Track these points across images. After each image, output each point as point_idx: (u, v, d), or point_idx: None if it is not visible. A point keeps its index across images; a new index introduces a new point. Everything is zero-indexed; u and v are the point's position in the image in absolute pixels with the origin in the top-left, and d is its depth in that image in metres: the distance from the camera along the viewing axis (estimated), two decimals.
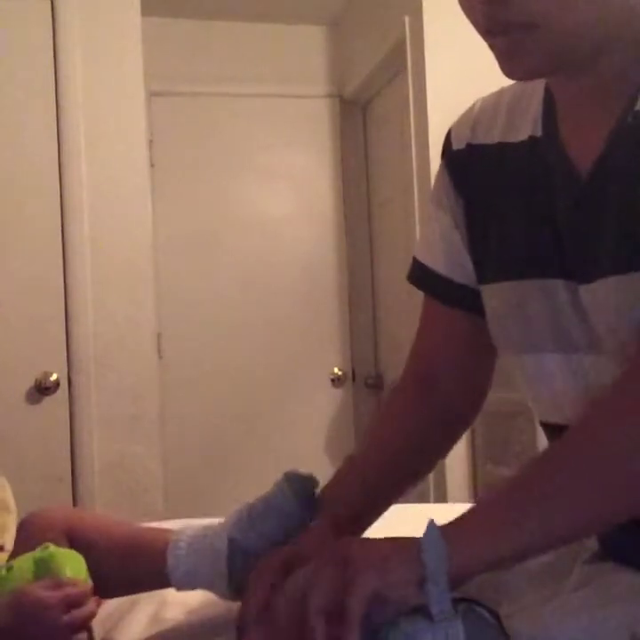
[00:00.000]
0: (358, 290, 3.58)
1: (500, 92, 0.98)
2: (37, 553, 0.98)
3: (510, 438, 2.41)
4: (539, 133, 0.90)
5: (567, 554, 0.96)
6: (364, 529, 1.02)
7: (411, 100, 2.84)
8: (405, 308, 3.03)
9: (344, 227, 3.59)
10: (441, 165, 1.04)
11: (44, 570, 0.97)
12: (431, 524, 0.71)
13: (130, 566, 1.05)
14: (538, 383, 0.92)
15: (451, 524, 0.74)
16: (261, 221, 3.51)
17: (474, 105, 1.01)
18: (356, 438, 3.54)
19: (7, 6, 2.47)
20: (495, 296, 0.94)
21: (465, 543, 0.72)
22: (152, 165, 3.15)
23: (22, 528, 1.11)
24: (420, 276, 1.06)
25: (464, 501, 2.45)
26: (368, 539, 0.80)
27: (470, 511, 0.76)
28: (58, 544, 1.02)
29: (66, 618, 0.93)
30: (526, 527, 0.73)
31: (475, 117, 0.99)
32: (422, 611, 0.68)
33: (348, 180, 3.60)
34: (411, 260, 1.09)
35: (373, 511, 1.04)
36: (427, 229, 1.07)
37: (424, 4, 2.69)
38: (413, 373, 1.10)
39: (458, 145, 1.01)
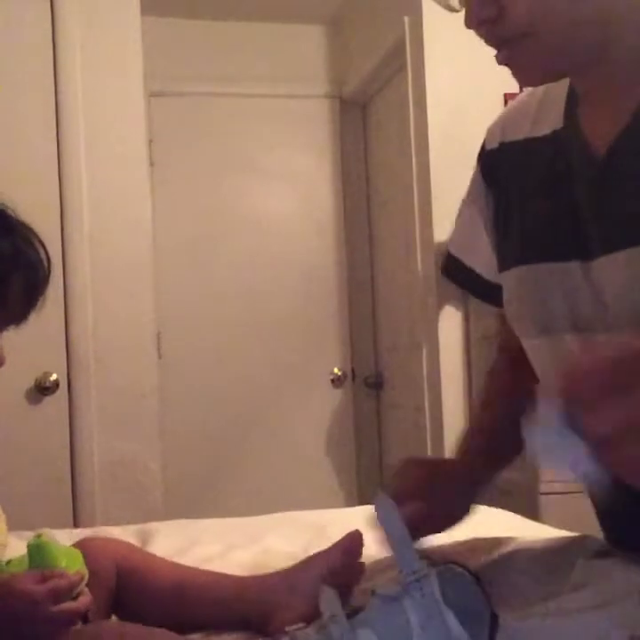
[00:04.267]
0: (358, 290, 3.57)
1: (534, 89, 1.01)
2: (31, 540, 0.96)
3: None
4: (560, 125, 0.94)
5: (569, 551, 0.96)
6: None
7: (410, 100, 2.84)
8: (405, 308, 3.02)
9: (344, 227, 3.58)
10: (476, 166, 1.08)
11: (37, 557, 0.95)
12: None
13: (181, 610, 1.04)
14: (552, 366, 0.93)
15: None
16: (261, 221, 3.50)
17: (509, 104, 1.06)
18: (355, 438, 3.54)
19: (7, 6, 2.46)
20: (513, 280, 0.97)
21: None
22: (152, 165, 3.14)
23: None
24: (455, 271, 1.12)
25: None
26: None
27: None
28: (103, 572, 1.03)
29: (54, 610, 0.90)
30: None
31: (506, 116, 1.04)
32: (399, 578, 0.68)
33: (348, 180, 3.60)
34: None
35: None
36: (464, 230, 1.12)
37: (424, 4, 2.69)
38: (505, 357, 1.15)
39: (491, 145, 1.05)
